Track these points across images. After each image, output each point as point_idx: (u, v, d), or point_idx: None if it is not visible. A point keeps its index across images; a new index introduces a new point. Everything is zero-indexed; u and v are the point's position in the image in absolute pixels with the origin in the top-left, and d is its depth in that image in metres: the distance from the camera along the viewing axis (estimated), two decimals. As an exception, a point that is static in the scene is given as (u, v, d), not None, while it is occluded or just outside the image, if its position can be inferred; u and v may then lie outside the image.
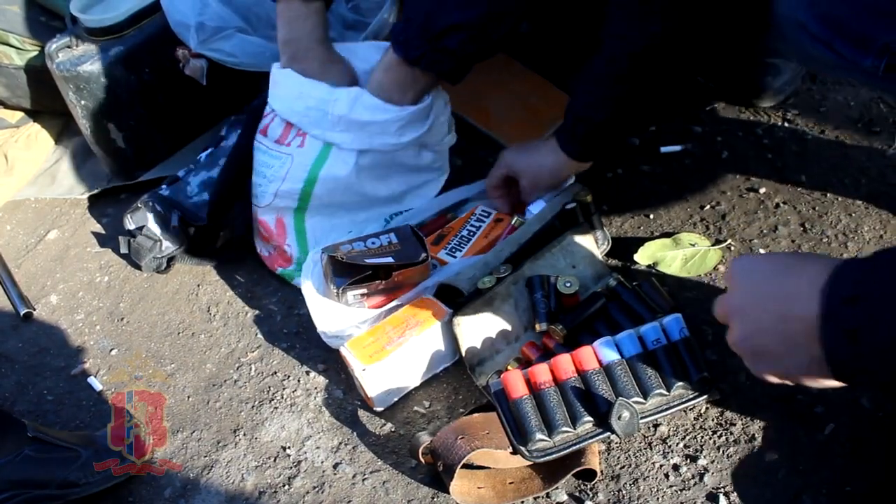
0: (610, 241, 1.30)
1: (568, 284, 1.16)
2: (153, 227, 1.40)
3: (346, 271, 1.21)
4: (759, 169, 1.41)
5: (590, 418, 1.01)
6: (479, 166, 1.44)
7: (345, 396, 1.21)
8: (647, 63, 1.12)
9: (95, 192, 1.65)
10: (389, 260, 1.21)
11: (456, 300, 1.18)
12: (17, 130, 1.75)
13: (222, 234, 1.42)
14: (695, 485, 1.03)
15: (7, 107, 1.74)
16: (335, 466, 1.13)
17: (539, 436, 1.00)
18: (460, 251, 1.30)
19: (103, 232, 1.59)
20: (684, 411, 1.09)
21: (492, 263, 1.19)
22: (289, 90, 1.29)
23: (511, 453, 1.02)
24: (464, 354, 1.15)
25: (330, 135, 1.27)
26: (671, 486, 1.04)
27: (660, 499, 1.03)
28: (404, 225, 1.29)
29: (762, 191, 1.37)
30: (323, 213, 1.34)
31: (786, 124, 1.48)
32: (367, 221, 1.36)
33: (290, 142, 1.31)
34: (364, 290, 1.21)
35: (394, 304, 1.22)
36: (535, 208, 1.29)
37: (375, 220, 1.37)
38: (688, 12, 1.08)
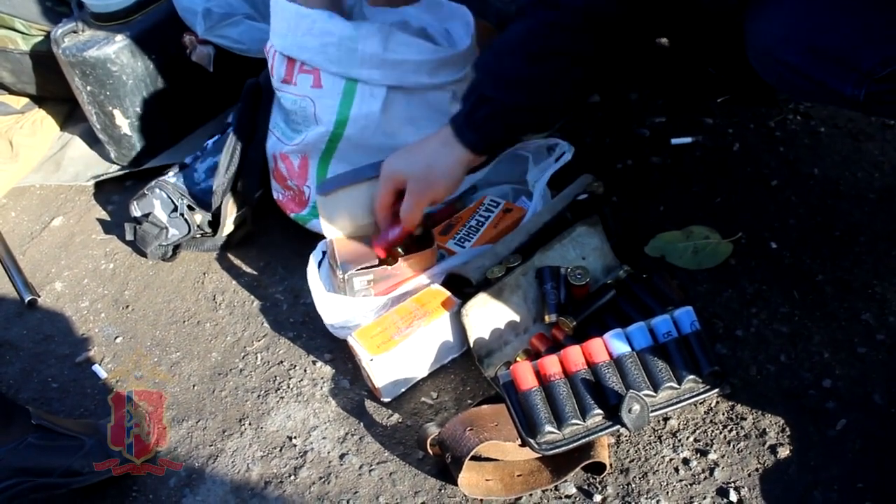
0: (620, 233, 1.28)
1: (578, 276, 1.15)
2: (159, 214, 1.39)
3: (353, 258, 1.20)
4: (770, 162, 1.40)
5: (599, 411, 1.00)
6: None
7: (351, 386, 1.20)
8: (576, 26, 0.95)
9: (101, 178, 1.64)
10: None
11: (464, 289, 1.17)
12: (22, 116, 1.74)
13: (239, 213, 1.40)
14: (705, 479, 1.02)
15: (12, 92, 1.73)
16: (341, 457, 1.12)
17: (548, 428, 0.99)
18: (469, 241, 1.28)
19: (108, 219, 1.58)
20: (695, 405, 1.08)
21: (501, 253, 1.18)
22: (294, 25, 1.24)
23: (520, 445, 1.01)
24: (472, 345, 1.14)
25: (356, 72, 1.23)
26: (681, 480, 1.03)
27: (669, 493, 1.02)
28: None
29: (774, 184, 1.36)
30: (350, 162, 1.31)
31: (798, 117, 1.47)
32: None
33: (295, 80, 1.27)
34: (371, 277, 1.20)
35: (400, 291, 1.21)
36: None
37: None
38: None
